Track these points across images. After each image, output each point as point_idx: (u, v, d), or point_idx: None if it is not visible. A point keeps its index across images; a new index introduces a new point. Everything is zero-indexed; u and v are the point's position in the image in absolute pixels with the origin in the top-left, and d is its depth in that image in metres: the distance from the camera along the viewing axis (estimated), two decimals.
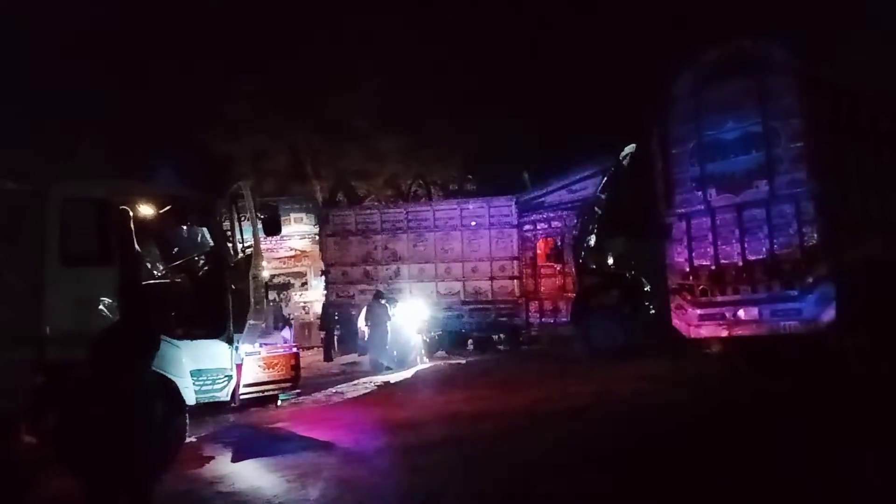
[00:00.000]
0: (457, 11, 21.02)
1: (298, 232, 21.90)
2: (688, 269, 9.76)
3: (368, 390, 11.71)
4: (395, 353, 14.42)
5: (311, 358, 16.33)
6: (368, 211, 18.36)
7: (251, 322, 7.17)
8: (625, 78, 17.64)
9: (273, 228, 7.69)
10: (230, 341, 7.01)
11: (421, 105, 20.65)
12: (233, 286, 7.18)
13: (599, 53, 19.60)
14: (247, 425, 8.55)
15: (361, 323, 15.22)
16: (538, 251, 15.22)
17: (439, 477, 5.77)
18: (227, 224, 7.94)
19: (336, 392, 11.47)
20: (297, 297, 22.10)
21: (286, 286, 21.80)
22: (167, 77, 20.01)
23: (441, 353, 16.16)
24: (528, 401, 9.16)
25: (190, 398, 6.65)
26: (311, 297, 21.66)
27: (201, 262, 8.02)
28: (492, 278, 15.55)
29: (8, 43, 17.48)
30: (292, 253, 22.24)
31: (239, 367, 7.08)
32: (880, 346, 8.16)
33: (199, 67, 20.27)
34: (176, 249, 8.29)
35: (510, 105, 20.35)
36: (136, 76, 19.95)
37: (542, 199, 15.35)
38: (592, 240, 15.21)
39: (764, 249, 9.09)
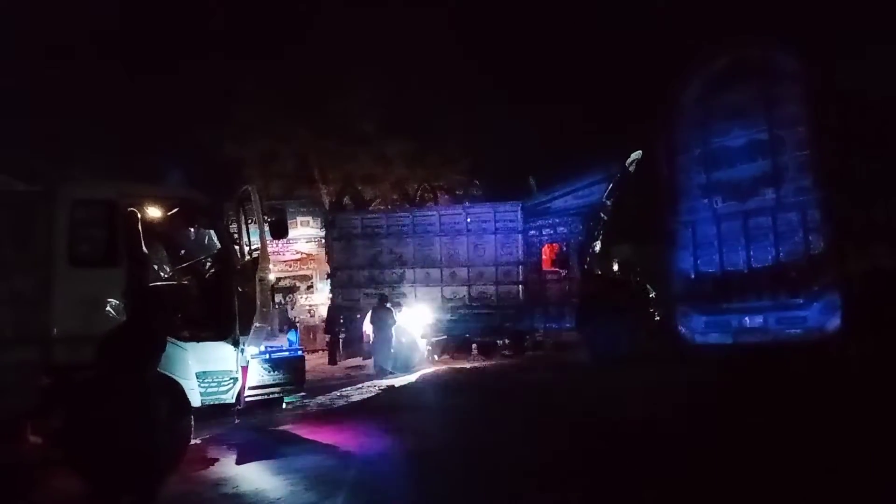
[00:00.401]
0: (466, 17, 21.07)
1: (305, 235, 21.96)
2: (693, 276, 9.76)
3: (373, 394, 11.72)
4: (399, 357, 14.43)
5: (316, 361, 16.35)
6: (374, 215, 18.39)
7: (257, 324, 7.20)
8: (632, 84, 17.65)
9: (280, 231, 7.71)
10: (236, 343, 7.03)
11: (428, 110, 20.69)
12: (239, 289, 7.21)
13: (607, 60, 19.62)
14: (251, 428, 8.56)
15: (366, 327, 15.23)
16: (543, 256, 15.21)
17: (442, 482, 5.78)
18: (234, 227, 7.99)
19: (340, 395, 11.48)
20: (302, 300, 22.15)
21: (292, 289, 21.87)
22: (177, 79, 20.12)
23: (445, 357, 16.16)
24: (531, 407, 9.15)
25: (195, 400, 6.67)
26: (317, 300, 21.70)
27: (208, 264, 8.05)
28: (497, 283, 15.53)
29: (19, 44, 17.65)
30: (298, 256, 22.30)
31: (244, 369, 7.10)
32: (885, 353, 8.13)
33: (209, 70, 20.37)
34: (183, 251, 8.33)
35: (517, 110, 20.38)
36: (146, 78, 20.06)
37: (548, 204, 15.36)
38: (598, 246, 15.20)
39: (770, 257, 9.10)
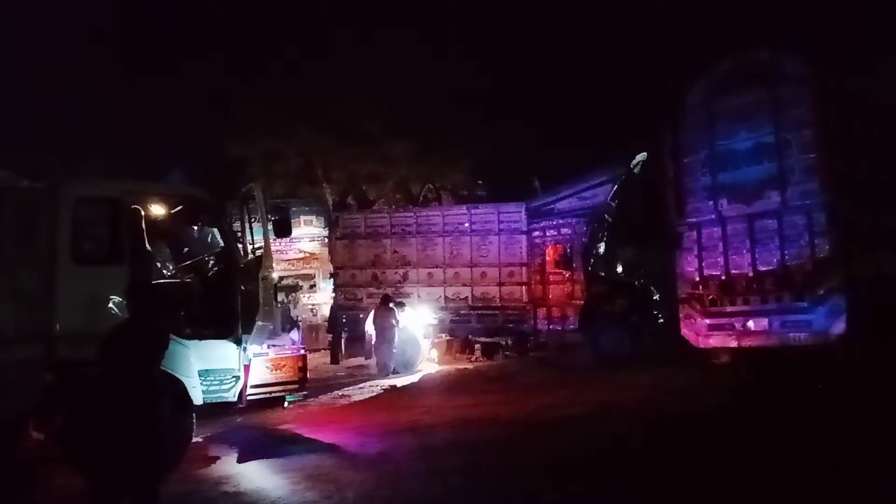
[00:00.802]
0: (470, 17, 21.05)
1: (308, 234, 21.96)
2: (698, 279, 9.72)
3: (375, 394, 11.72)
4: (401, 357, 14.42)
5: (319, 360, 16.35)
6: (378, 214, 18.39)
7: (260, 323, 7.19)
8: (637, 86, 17.62)
9: (283, 230, 7.71)
10: (238, 342, 7.03)
11: (432, 110, 20.68)
12: (242, 287, 7.21)
13: (613, 61, 19.58)
14: (253, 426, 8.56)
15: (369, 326, 15.23)
16: (547, 258, 15.18)
17: (444, 482, 5.76)
18: (237, 225, 7.99)
19: (342, 395, 11.48)
20: (305, 299, 22.14)
21: (295, 288, 21.84)
22: (181, 78, 20.14)
23: (448, 357, 16.14)
24: (534, 408, 9.13)
25: (197, 398, 6.67)
26: (320, 299, 21.69)
27: (211, 262, 8.06)
28: (500, 284, 15.52)
29: (24, 42, 17.69)
30: (301, 255, 22.30)
31: (247, 367, 7.10)
32: (890, 358, 8.08)
33: (213, 69, 20.39)
34: (186, 249, 8.33)
35: (522, 111, 20.35)
36: (151, 76, 20.08)
37: (553, 205, 15.33)
38: (602, 247, 15.17)
39: (775, 260, 9.05)
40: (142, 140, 19.78)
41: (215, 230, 7.91)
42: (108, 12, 19.74)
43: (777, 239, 9.03)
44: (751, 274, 9.23)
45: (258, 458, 7.07)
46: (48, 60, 18.73)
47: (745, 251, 9.32)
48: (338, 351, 17.27)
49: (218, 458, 7.14)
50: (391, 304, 14.70)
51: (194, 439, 6.92)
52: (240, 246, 7.67)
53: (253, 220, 7.78)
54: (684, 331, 9.82)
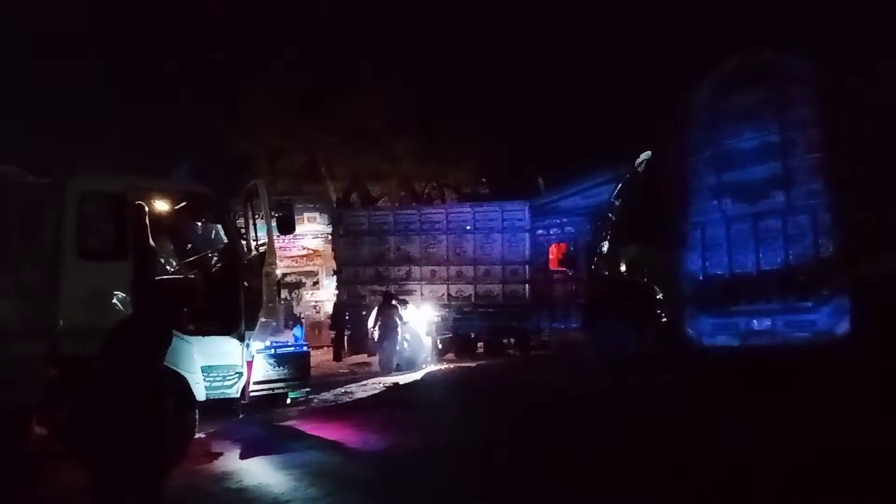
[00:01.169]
0: (476, 14, 21.02)
1: (311, 231, 21.95)
2: (702, 278, 9.72)
3: (377, 391, 11.71)
4: (404, 354, 14.42)
5: (321, 357, 16.36)
6: (381, 212, 18.40)
7: (263, 320, 7.21)
8: (642, 85, 17.57)
9: (287, 227, 7.72)
10: (242, 338, 7.04)
11: (436, 107, 20.66)
12: (245, 283, 7.22)
13: (617, 59, 19.54)
14: (256, 423, 8.57)
15: (372, 323, 15.24)
16: (550, 256, 15.16)
17: (446, 479, 5.77)
18: (241, 221, 8.00)
19: (345, 392, 11.48)
20: (308, 296, 22.15)
21: (298, 285, 21.85)
22: (186, 74, 20.16)
23: (450, 355, 16.14)
24: (536, 405, 9.12)
25: (200, 394, 6.69)
26: (323, 296, 21.70)
27: (215, 258, 8.07)
28: (503, 282, 15.52)
29: (29, 38, 17.72)
30: (305, 252, 22.30)
31: (249, 364, 7.12)
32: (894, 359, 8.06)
33: (217, 65, 20.40)
34: (190, 246, 8.35)
35: (526, 109, 20.32)
36: (155, 72, 20.11)
37: (556, 204, 15.32)
38: (605, 246, 15.11)
39: (779, 260, 9.04)
40: (146, 137, 19.80)
41: (219, 227, 7.94)
42: (112, 7, 19.76)
43: (781, 238, 9.02)
44: (755, 273, 9.22)
45: (261, 455, 7.07)
46: (51, 54, 18.76)
47: (749, 251, 9.31)
48: (340, 348, 17.29)
49: (221, 454, 7.15)
50: (394, 302, 14.70)
51: (197, 435, 6.93)
52: (243, 242, 7.69)
53: (256, 216, 7.79)
54: (688, 330, 9.81)
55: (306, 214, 21.30)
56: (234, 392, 6.98)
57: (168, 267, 7.98)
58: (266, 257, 7.35)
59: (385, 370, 14.03)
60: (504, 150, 20.82)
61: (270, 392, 7.57)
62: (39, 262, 6.56)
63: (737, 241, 9.42)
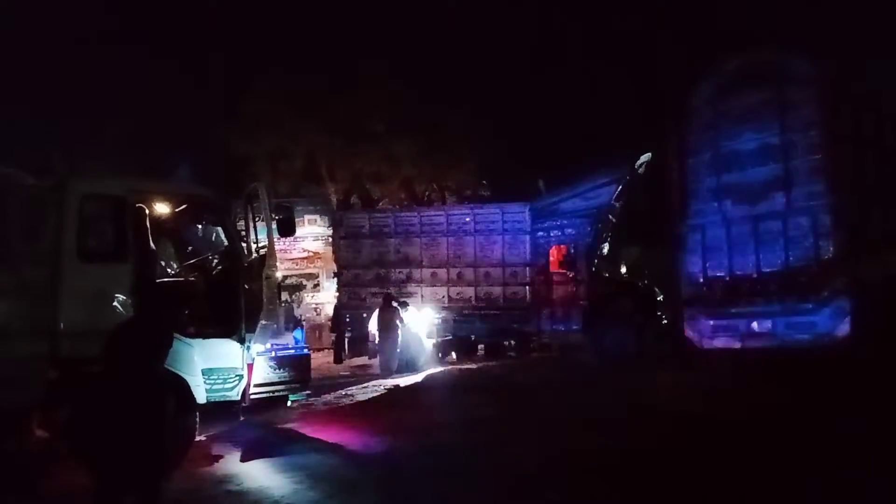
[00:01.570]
0: (477, 16, 21.04)
1: (312, 233, 21.99)
2: (702, 280, 9.72)
3: (378, 393, 11.70)
4: (405, 356, 14.41)
5: (322, 360, 16.36)
6: (382, 214, 18.41)
7: (263, 322, 7.20)
8: (642, 86, 17.56)
9: (287, 229, 7.71)
10: (242, 341, 7.03)
11: (437, 110, 20.69)
12: (246, 286, 7.21)
13: (618, 61, 19.55)
14: (256, 425, 8.55)
15: (372, 326, 15.23)
16: (551, 258, 15.13)
17: (447, 482, 5.76)
18: (241, 224, 8.00)
19: (346, 394, 11.47)
20: (309, 298, 22.17)
21: (298, 287, 21.88)
22: (187, 76, 20.19)
23: (451, 357, 16.13)
24: (537, 408, 9.12)
25: (201, 396, 6.67)
26: (323, 298, 21.73)
27: (215, 261, 8.05)
28: (504, 284, 15.52)
29: (31, 40, 17.73)
30: (305, 254, 22.33)
31: (250, 366, 7.10)
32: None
33: (219, 67, 20.44)
34: (190, 248, 8.34)
35: (526, 111, 20.34)
36: (156, 74, 20.13)
37: (556, 206, 15.29)
38: (606, 248, 15.11)
39: (779, 262, 9.03)
40: (147, 138, 19.82)
41: (219, 229, 7.93)
42: (113, 9, 19.79)
43: (782, 240, 9.01)
44: (755, 275, 9.21)
45: (261, 457, 7.06)
46: (52, 55, 18.79)
47: (749, 252, 9.30)
48: (341, 350, 17.29)
49: (221, 456, 7.14)
50: (395, 304, 14.70)
51: (198, 438, 6.92)
52: (244, 245, 7.68)
53: (257, 218, 7.79)
54: (688, 332, 9.81)
55: (307, 217, 21.34)
56: (235, 394, 6.97)
57: (168, 269, 7.96)
58: (266, 260, 7.34)
59: (386, 372, 14.02)
60: (504, 152, 20.84)
61: (271, 394, 7.54)
62: (40, 263, 6.55)
63: (737, 242, 9.42)
